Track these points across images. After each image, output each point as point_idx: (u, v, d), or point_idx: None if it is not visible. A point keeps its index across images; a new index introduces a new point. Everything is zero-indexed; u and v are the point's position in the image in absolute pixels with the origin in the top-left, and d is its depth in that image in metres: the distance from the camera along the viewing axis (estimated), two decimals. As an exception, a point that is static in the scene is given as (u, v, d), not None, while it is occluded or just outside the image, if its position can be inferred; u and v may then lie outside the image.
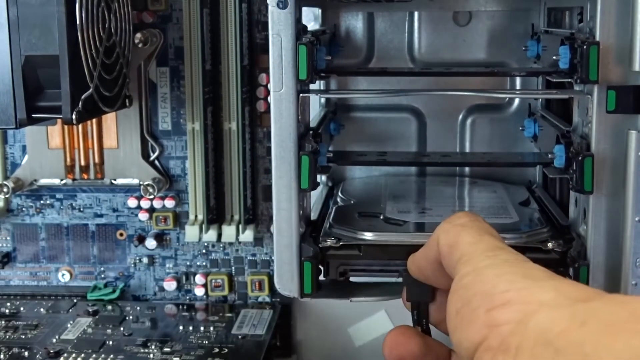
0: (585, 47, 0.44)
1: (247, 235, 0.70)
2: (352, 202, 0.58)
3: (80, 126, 0.68)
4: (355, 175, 0.69)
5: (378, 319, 0.74)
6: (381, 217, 0.52)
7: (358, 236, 0.48)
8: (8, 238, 0.75)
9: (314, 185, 0.47)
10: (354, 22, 0.68)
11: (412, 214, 0.53)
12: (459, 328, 0.29)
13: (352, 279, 0.49)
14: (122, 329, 0.67)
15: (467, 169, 0.67)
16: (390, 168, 0.67)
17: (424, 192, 0.63)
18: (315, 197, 0.61)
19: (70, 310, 0.72)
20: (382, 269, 0.47)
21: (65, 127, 0.69)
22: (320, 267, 0.48)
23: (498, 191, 0.61)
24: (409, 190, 0.63)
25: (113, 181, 0.71)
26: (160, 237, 0.73)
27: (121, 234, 0.74)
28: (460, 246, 0.33)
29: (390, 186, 0.63)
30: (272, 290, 0.73)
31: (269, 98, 0.48)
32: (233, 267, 0.74)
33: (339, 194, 0.60)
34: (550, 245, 0.46)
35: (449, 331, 0.31)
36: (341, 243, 0.47)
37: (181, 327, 0.68)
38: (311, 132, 0.52)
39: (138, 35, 0.64)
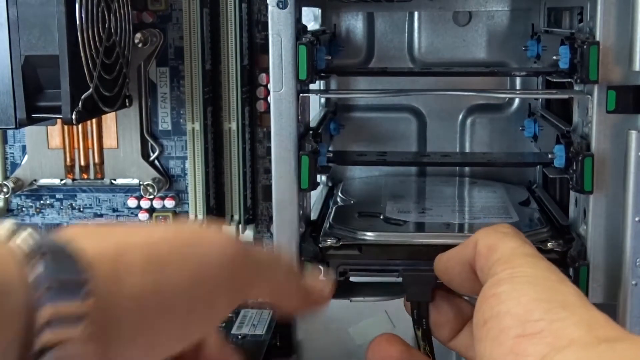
0: (585, 47, 0.44)
1: (247, 235, 0.70)
2: (352, 202, 0.57)
3: (80, 126, 0.68)
4: (355, 175, 0.69)
5: (378, 319, 0.74)
6: (381, 217, 0.52)
7: (358, 236, 0.48)
8: (8, 238, 0.75)
9: (314, 185, 0.47)
10: (354, 22, 0.68)
11: (412, 214, 0.53)
12: (484, 341, 0.29)
13: (352, 278, 0.49)
14: (122, 329, 0.67)
15: (467, 168, 0.67)
16: (390, 168, 0.67)
17: (424, 192, 0.63)
18: (315, 197, 0.61)
19: (70, 310, 0.72)
20: (382, 269, 0.47)
21: (65, 127, 0.68)
22: (321, 267, 0.48)
23: (498, 191, 0.61)
24: (409, 190, 0.63)
25: (113, 181, 0.71)
26: (160, 237, 0.73)
27: (121, 234, 0.74)
28: (501, 249, 0.32)
29: (390, 186, 0.63)
30: (272, 290, 0.73)
31: (269, 98, 0.48)
32: (233, 267, 0.74)
33: (339, 194, 0.60)
34: (550, 245, 0.46)
35: (474, 337, 0.30)
36: (341, 243, 0.47)
37: (181, 327, 0.68)
38: (311, 132, 0.52)
39: (138, 35, 0.64)
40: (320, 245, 0.47)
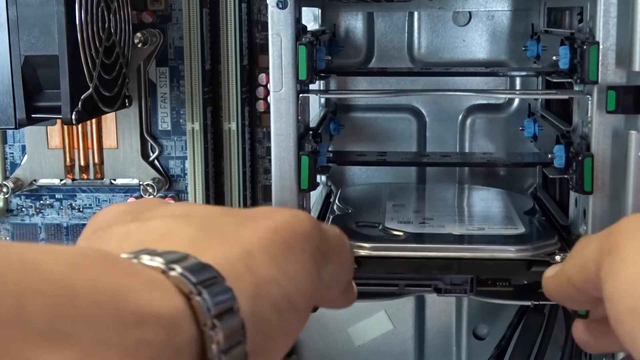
0: (585, 47, 0.44)
1: (247, 235, 0.70)
2: (349, 211, 0.56)
3: (79, 126, 0.68)
4: (355, 175, 0.68)
5: (378, 319, 0.74)
6: (380, 228, 0.50)
7: (356, 248, 0.46)
8: (7, 238, 0.75)
9: (313, 185, 0.47)
10: (354, 22, 0.68)
11: (413, 225, 0.51)
12: None
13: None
14: (121, 329, 0.67)
15: (468, 173, 0.67)
16: (390, 174, 0.67)
17: (425, 200, 0.61)
18: (315, 197, 0.61)
19: (70, 311, 0.71)
20: (382, 283, 0.46)
21: (65, 127, 0.68)
22: None
23: (502, 199, 0.59)
24: (409, 198, 0.61)
25: (113, 181, 0.71)
26: (160, 237, 0.73)
27: (121, 234, 0.74)
28: None
29: (389, 194, 0.61)
30: (272, 291, 0.73)
31: (268, 98, 0.48)
32: (233, 267, 0.73)
33: (337, 202, 0.58)
34: (558, 258, 0.45)
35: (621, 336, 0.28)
36: None
37: (181, 327, 0.67)
38: (311, 132, 0.52)
39: (138, 35, 0.64)
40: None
